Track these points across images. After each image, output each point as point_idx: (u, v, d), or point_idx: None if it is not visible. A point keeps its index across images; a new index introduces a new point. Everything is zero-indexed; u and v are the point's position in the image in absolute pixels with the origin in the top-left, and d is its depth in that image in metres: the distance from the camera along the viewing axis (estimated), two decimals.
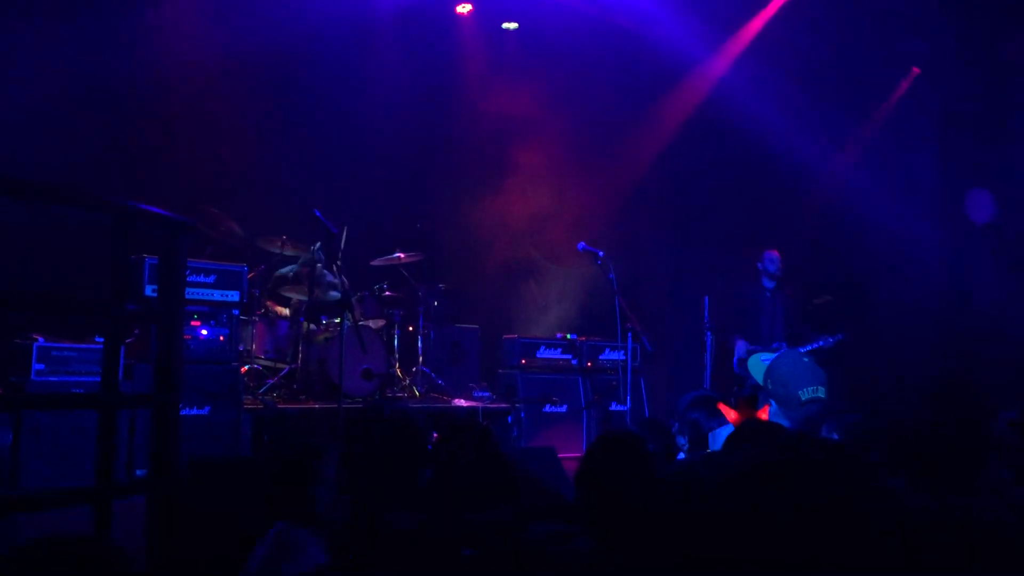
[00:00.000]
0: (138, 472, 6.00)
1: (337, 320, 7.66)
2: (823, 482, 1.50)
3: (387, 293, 8.71)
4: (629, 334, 7.87)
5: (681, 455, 4.34)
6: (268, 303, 8.27)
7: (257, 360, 7.89)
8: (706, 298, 8.66)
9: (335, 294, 8.08)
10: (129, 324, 6.21)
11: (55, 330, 6.25)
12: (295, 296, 8.23)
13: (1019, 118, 9.65)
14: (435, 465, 3.29)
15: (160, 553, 3.17)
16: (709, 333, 8.63)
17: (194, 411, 6.50)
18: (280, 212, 8.49)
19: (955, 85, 10.40)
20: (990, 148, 10.07)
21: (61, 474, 5.74)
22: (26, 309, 5.06)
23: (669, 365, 10.23)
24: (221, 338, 6.88)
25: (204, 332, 6.82)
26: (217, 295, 6.91)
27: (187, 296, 6.43)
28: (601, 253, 7.77)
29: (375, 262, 8.83)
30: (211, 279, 6.92)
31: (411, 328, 8.87)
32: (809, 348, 7.97)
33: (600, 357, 9.03)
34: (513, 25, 10.48)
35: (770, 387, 4.55)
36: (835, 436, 3.71)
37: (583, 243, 7.90)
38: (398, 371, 8.50)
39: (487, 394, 8.52)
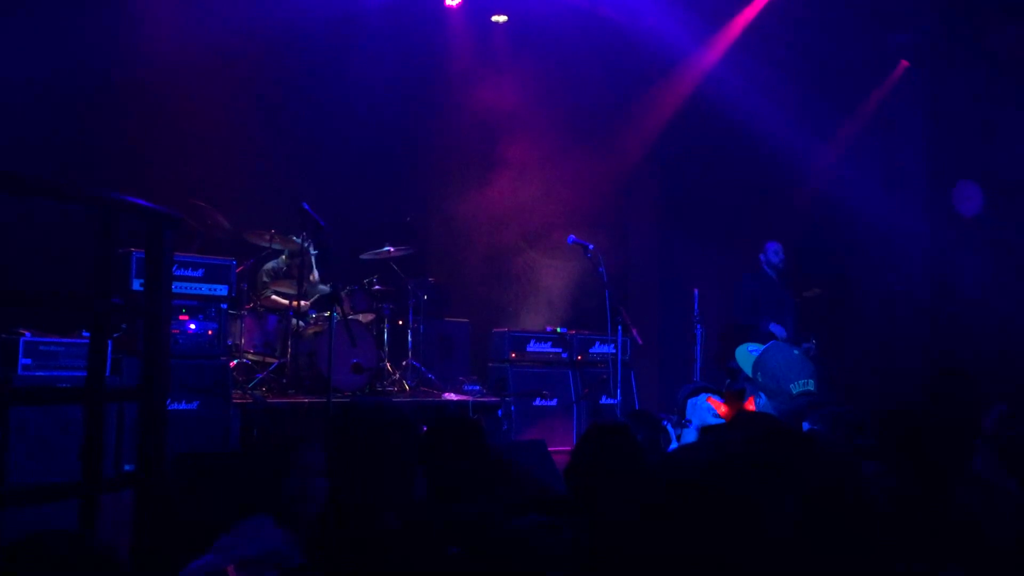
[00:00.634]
0: (126, 467, 5.97)
1: (327, 314, 7.64)
2: (814, 469, 1.49)
3: (376, 287, 8.69)
4: (619, 327, 7.87)
5: (674, 445, 4.34)
6: (261, 299, 8.24)
7: (246, 355, 7.86)
8: (696, 291, 8.67)
9: (324, 288, 8.05)
10: (116, 318, 6.18)
11: (42, 325, 6.21)
12: (284, 290, 8.20)
13: (1006, 111, 9.66)
14: (423, 460, 3.28)
15: (147, 548, 3.15)
16: (699, 326, 8.64)
17: (183, 406, 6.47)
18: (268, 206, 8.46)
19: (943, 78, 10.42)
20: (978, 141, 10.09)
21: (48, 470, 5.70)
22: (11, 304, 5.03)
23: (659, 358, 10.24)
24: (209, 332, 6.85)
25: (192, 327, 6.78)
26: (205, 289, 6.87)
27: (175, 290, 6.41)
28: (591, 246, 7.76)
29: (364, 256, 8.80)
30: (199, 273, 6.88)
31: (401, 322, 8.85)
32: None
33: (590, 350, 9.03)
34: (502, 18, 10.47)
35: (759, 380, 4.53)
36: (818, 428, 3.71)
37: (573, 236, 7.89)
38: (388, 365, 8.49)
39: (477, 388, 8.51)
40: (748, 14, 10.32)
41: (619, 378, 7.92)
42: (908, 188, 10.67)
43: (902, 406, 2.99)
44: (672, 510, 1.52)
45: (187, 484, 4.22)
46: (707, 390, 4.37)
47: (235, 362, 7.54)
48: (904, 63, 10.79)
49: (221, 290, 6.96)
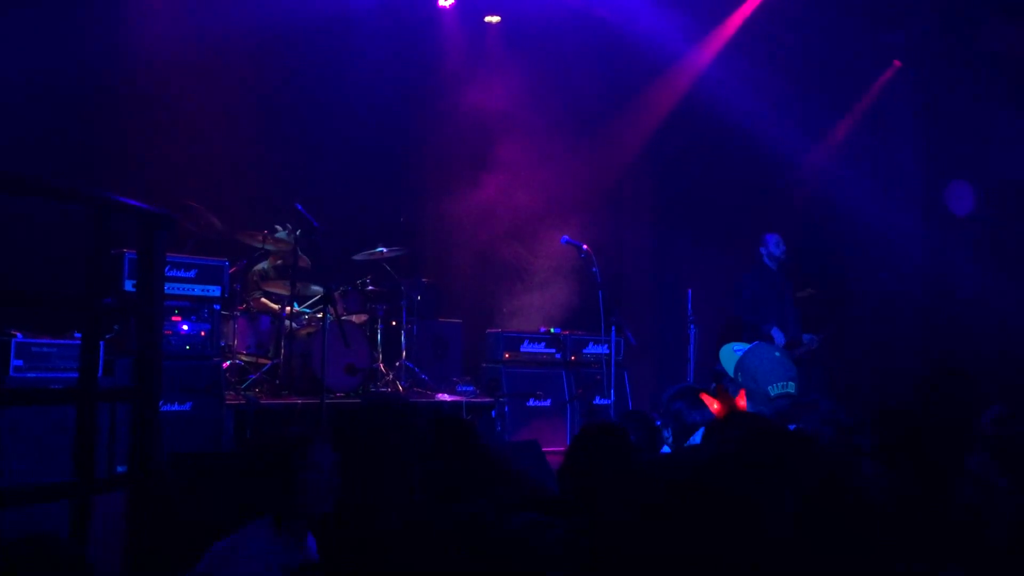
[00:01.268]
0: (119, 469, 5.94)
1: (320, 315, 7.62)
2: (808, 468, 1.49)
3: (370, 288, 8.67)
4: (613, 328, 7.86)
5: (665, 448, 4.34)
6: (254, 300, 8.22)
7: (239, 356, 7.84)
8: (689, 291, 8.66)
9: (316, 288, 8.03)
10: (108, 319, 6.15)
11: (35, 326, 6.18)
12: (277, 292, 8.19)
13: (1000, 110, 9.68)
14: (421, 460, 3.27)
15: (141, 549, 3.13)
16: (693, 326, 8.63)
17: (176, 407, 6.45)
18: (261, 206, 8.44)
19: (937, 78, 10.43)
20: (972, 140, 10.11)
21: (41, 471, 5.67)
22: (3, 304, 5.00)
23: (653, 359, 10.24)
24: (202, 333, 6.83)
25: (185, 327, 6.76)
26: (198, 290, 6.86)
27: (167, 291, 6.39)
28: (584, 246, 7.75)
29: (358, 256, 8.78)
30: (192, 274, 6.86)
31: (394, 323, 8.84)
32: (803, 350, 8.05)
33: (584, 351, 9.03)
34: (496, 18, 10.46)
35: (739, 380, 4.54)
36: (808, 427, 3.70)
37: (566, 236, 7.88)
38: (381, 366, 8.47)
39: (471, 388, 8.50)
40: (742, 14, 10.32)
41: (612, 378, 7.90)
42: (902, 187, 10.69)
43: (900, 406, 2.99)
44: (670, 510, 1.52)
45: (186, 484, 4.20)
46: (693, 391, 4.35)
47: (228, 363, 7.51)
48: (897, 63, 10.81)
49: (214, 291, 6.94)
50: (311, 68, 9.23)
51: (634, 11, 9.95)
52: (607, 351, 8.10)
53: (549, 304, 9.86)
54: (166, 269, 6.25)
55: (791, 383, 4.42)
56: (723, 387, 4.27)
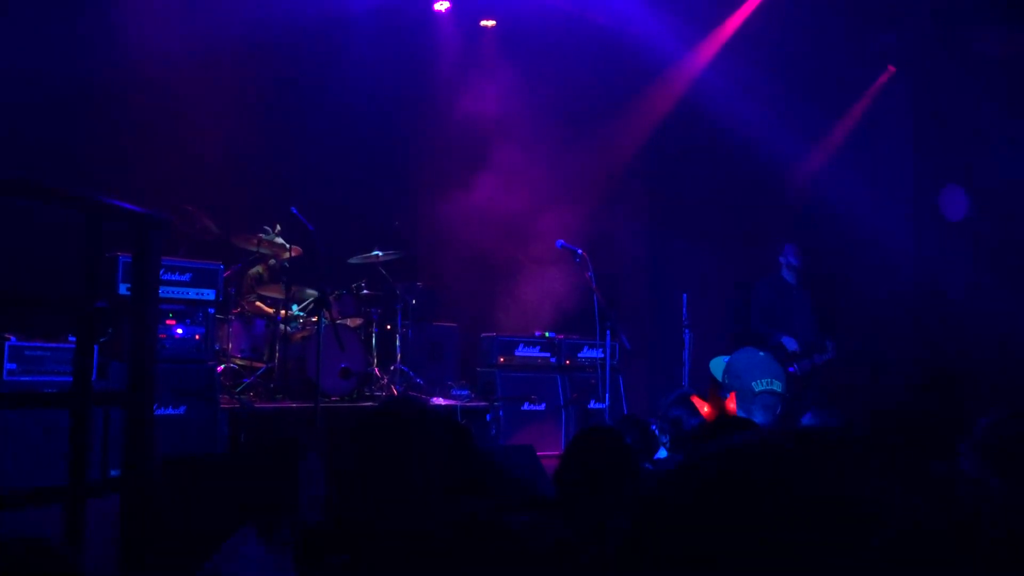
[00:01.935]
0: (113, 472, 5.93)
1: (314, 319, 7.62)
2: (807, 470, 1.48)
3: (365, 291, 8.67)
4: (608, 332, 7.87)
5: (662, 451, 4.34)
6: (248, 304, 8.21)
7: (233, 359, 7.83)
8: (684, 296, 8.65)
9: (311, 291, 8.03)
10: (102, 322, 6.14)
11: (28, 329, 6.17)
12: (271, 295, 8.18)
13: (994, 114, 9.71)
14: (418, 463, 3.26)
15: (134, 553, 3.12)
16: (687, 331, 8.62)
17: (170, 411, 6.43)
18: (256, 210, 8.43)
19: (930, 82, 10.46)
20: (965, 144, 10.13)
21: (35, 475, 5.66)
22: None
23: (648, 363, 10.23)
24: (197, 337, 6.82)
25: (179, 331, 6.75)
26: (192, 293, 6.85)
27: (162, 294, 6.36)
28: (579, 251, 7.76)
29: (353, 260, 8.78)
30: (186, 277, 6.86)
31: (389, 326, 8.83)
32: (827, 358, 8.03)
33: (579, 355, 9.02)
34: (491, 22, 10.47)
35: (727, 382, 4.58)
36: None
37: (561, 240, 7.89)
38: (376, 370, 8.46)
39: (466, 392, 8.50)
40: (737, 18, 10.34)
41: (607, 383, 7.91)
42: (896, 191, 10.71)
43: (894, 406, 3.00)
44: (660, 513, 1.51)
45: (180, 488, 4.19)
46: (690, 397, 4.37)
47: (222, 367, 7.51)
48: (891, 67, 10.84)
49: (208, 294, 6.93)
50: (307, 72, 9.23)
51: (629, 15, 9.97)
52: (602, 355, 8.09)
53: (544, 308, 9.87)
54: (161, 272, 6.24)
55: (776, 381, 4.46)
56: (714, 390, 4.31)
